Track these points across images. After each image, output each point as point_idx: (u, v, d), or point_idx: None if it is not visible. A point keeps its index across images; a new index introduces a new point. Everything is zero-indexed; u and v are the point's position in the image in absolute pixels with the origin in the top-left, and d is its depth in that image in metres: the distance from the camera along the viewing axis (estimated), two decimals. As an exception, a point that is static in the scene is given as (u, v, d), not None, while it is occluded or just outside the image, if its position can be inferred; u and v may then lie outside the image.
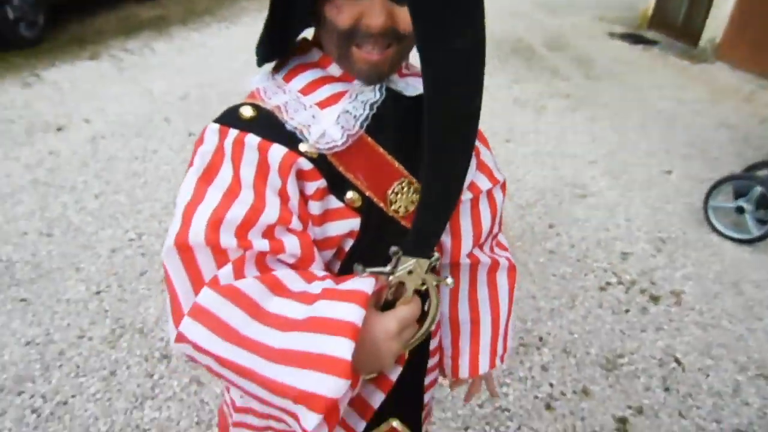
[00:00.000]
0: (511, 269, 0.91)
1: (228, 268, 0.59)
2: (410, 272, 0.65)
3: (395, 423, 0.89)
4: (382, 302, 0.66)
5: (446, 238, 0.85)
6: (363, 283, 0.60)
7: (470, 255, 0.86)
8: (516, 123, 3.83)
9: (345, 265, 0.73)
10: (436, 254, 0.66)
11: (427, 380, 0.93)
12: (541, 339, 1.96)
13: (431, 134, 0.61)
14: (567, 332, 2.00)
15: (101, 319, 1.87)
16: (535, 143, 3.53)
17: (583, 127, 3.82)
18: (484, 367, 0.91)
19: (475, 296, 0.90)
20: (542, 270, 2.33)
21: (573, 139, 3.62)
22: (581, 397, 1.74)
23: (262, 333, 0.56)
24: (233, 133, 0.64)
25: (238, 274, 0.60)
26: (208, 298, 0.57)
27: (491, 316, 0.90)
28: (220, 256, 0.60)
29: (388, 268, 0.64)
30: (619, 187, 3.04)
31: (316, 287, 0.60)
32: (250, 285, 0.58)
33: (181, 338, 0.57)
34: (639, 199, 2.93)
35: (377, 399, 0.71)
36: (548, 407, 1.69)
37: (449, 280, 0.67)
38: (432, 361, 0.92)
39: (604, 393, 1.76)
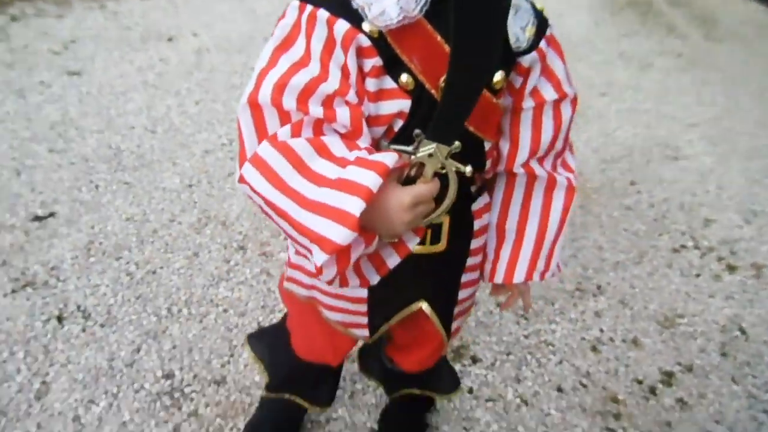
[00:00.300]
0: (570, 189, 0.91)
1: (287, 128, 0.68)
2: (430, 155, 0.70)
3: (424, 306, 0.96)
4: (404, 178, 0.72)
5: (504, 145, 0.88)
6: (387, 156, 0.66)
7: (526, 166, 0.88)
8: (616, 78, 3.63)
9: (393, 144, 0.79)
10: (457, 143, 0.70)
11: (465, 278, 0.99)
12: (599, 287, 1.95)
13: (457, 24, 0.63)
14: (628, 285, 1.97)
15: (190, 208, 2.07)
16: (633, 100, 3.35)
17: (690, 89, 3.56)
18: (519, 276, 0.94)
19: (526, 209, 0.93)
20: (615, 224, 2.28)
21: (675, 100, 3.39)
22: (630, 346, 1.74)
23: (301, 185, 0.65)
24: (309, 8, 0.71)
25: (295, 134, 0.68)
26: (265, 150, 0.67)
27: (538, 230, 0.93)
28: (284, 116, 0.69)
29: (410, 148, 0.69)
30: (716, 154, 2.85)
31: (352, 155, 0.67)
32: (301, 144, 0.66)
33: (242, 179, 0.68)
34: (737, 168, 2.74)
35: (393, 261, 0.79)
36: (594, 349, 1.71)
37: (468, 169, 0.72)
38: (472, 260, 0.97)
39: (655, 347, 1.74)
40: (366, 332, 1.01)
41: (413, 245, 0.80)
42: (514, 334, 1.73)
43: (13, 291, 1.65)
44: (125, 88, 2.84)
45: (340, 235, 0.61)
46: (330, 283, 0.73)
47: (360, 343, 1.46)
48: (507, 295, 1.07)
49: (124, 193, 2.11)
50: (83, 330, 1.56)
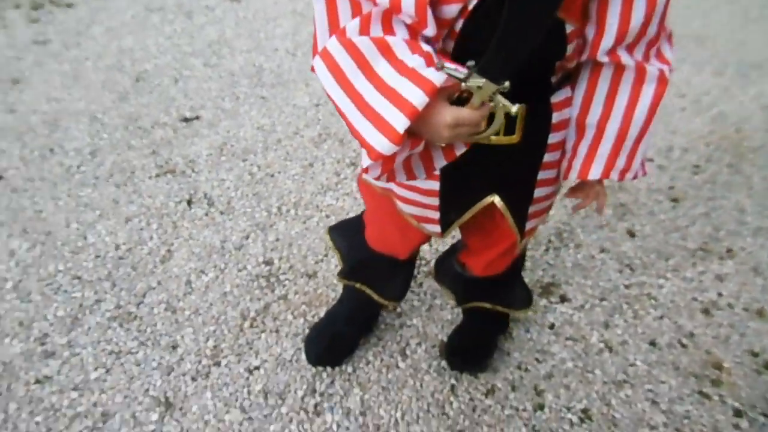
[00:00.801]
0: (661, 82, 0.83)
1: (356, 22, 0.71)
2: (479, 87, 0.69)
3: (496, 199, 0.94)
4: (455, 97, 0.73)
5: (590, 30, 0.80)
6: (438, 77, 0.67)
7: (612, 54, 0.80)
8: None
9: (458, 45, 0.77)
10: (507, 84, 0.69)
11: (542, 175, 0.95)
12: (729, 251, 1.73)
13: None
14: (767, 254, 1.72)
15: (313, 124, 2.20)
16: (831, 55, 2.81)
17: None
18: (595, 173, 0.88)
19: (610, 104, 0.85)
20: (767, 187, 1.98)
21: None
22: (752, 316, 1.54)
23: (362, 85, 0.70)
24: None
25: (364, 28, 0.71)
26: (333, 45, 0.71)
27: (621, 125, 0.85)
28: (355, 6, 0.72)
29: (462, 75, 0.69)
30: None
31: (412, 61, 0.69)
32: (365, 44, 0.69)
33: (312, 69, 0.74)
34: None
35: (440, 162, 0.83)
36: (706, 312, 1.54)
37: (515, 108, 0.70)
38: (550, 156, 0.92)
39: (785, 322, 1.52)
40: (437, 228, 1.02)
41: (460, 152, 0.80)
42: (614, 281, 1.62)
43: (157, 175, 1.91)
44: (276, 14, 3.04)
45: (384, 146, 0.68)
46: (377, 179, 0.78)
47: (434, 245, 1.48)
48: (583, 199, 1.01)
49: (260, 105, 2.30)
50: (206, 214, 1.77)
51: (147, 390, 1.30)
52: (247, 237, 1.70)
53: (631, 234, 1.78)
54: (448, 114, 0.70)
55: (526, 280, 1.59)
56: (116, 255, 1.62)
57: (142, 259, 1.61)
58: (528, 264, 1.66)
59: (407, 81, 0.67)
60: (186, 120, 2.19)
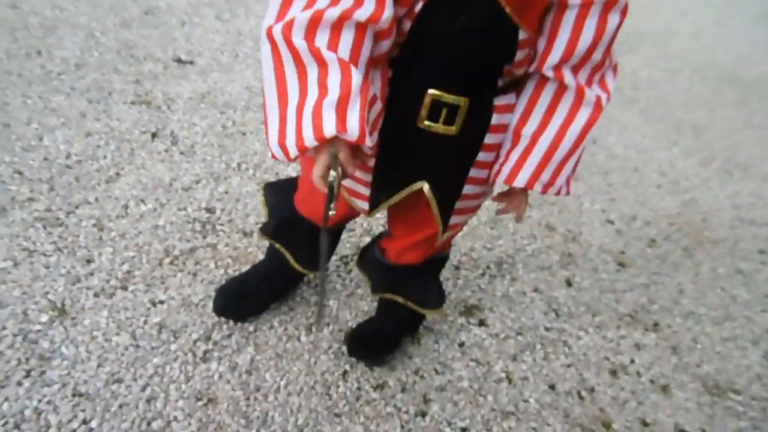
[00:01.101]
0: (596, 108, 0.87)
1: (307, 15, 0.71)
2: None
3: (425, 187, 0.96)
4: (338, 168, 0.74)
5: (541, 42, 0.83)
6: (331, 130, 0.69)
7: (557, 71, 0.83)
8: (807, 150, 3.14)
9: (415, 26, 0.80)
10: (333, 212, 0.77)
11: (474, 173, 0.97)
12: (655, 325, 1.75)
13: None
14: (691, 337, 1.74)
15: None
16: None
17: None
18: (521, 181, 0.91)
19: (547, 119, 0.89)
20: (713, 279, 2.01)
21: None
22: (656, 389, 1.55)
23: (292, 88, 0.73)
24: None
25: (311, 28, 0.71)
26: (277, 35, 0.72)
27: (552, 141, 0.89)
28: None
29: (333, 173, 0.73)
30: None
31: (333, 91, 0.70)
32: (305, 50, 0.71)
33: (262, 40, 0.75)
34: None
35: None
36: (613, 374, 1.56)
37: (331, 213, 0.77)
38: (484, 156, 0.95)
39: (685, 404, 1.53)
40: (366, 205, 1.03)
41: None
42: (536, 321, 1.63)
43: (133, 102, 1.92)
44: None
45: (280, 155, 0.76)
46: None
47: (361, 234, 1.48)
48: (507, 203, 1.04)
49: (255, 68, 2.32)
50: (166, 150, 1.78)
51: (47, 293, 1.29)
52: (198, 182, 1.71)
53: (569, 283, 1.80)
54: (319, 159, 0.74)
55: (453, 296, 1.61)
56: (65, 163, 1.62)
57: (88, 174, 1.61)
58: (459, 282, 1.67)
59: (311, 117, 0.70)
60: (180, 61, 2.20)
